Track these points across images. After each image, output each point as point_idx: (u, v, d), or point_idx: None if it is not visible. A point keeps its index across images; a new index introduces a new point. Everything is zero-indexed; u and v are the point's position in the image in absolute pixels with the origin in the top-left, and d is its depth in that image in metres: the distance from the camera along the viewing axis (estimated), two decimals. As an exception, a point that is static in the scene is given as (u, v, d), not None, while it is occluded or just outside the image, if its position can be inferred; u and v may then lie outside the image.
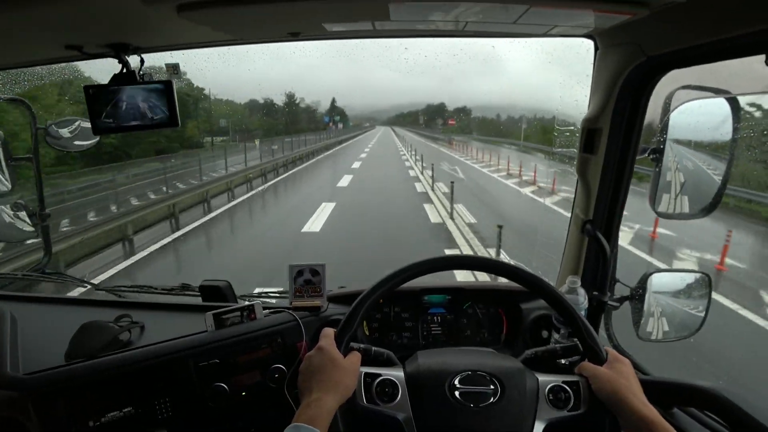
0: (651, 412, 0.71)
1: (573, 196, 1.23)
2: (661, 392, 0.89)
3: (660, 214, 1.06)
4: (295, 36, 0.90)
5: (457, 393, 0.79)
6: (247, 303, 1.09)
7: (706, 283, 1.14)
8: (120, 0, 0.68)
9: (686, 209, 1.05)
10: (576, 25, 0.87)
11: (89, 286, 1.42)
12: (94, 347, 1.00)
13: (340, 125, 52.58)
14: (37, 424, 0.89)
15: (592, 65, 1.04)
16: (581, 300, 1.01)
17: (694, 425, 0.89)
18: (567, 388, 0.80)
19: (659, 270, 1.15)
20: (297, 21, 0.82)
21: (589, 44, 1.02)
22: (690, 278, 1.18)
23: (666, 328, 1.16)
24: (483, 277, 1.37)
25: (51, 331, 1.13)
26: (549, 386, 0.80)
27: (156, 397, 0.97)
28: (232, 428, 1.03)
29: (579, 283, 1.01)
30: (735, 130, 0.95)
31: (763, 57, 0.68)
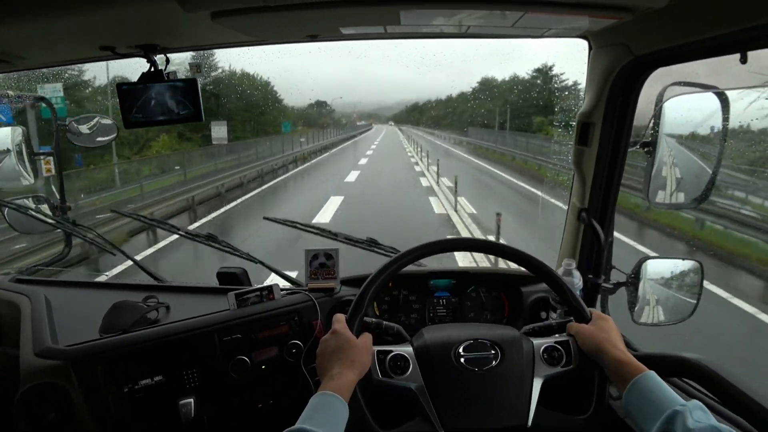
0: (625, 355, 0.80)
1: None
2: (649, 364, 0.96)
3: (654, 205, 1.12)
4: (313, 38, 0.99)
5: (462, 360, 0.87)
6: (265, 284, 1.18)
7: (699, 270, 1.19)
8: (159, 7, 0.76)
9: (680, 199, 1.10)
10: (568, 28, 0.94)
11: (114, 270, 1.52)
12: (126, 324, 1.10)
13: (222, 130, 14.17)
14: (78, 388, 0.99)
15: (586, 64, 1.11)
16: (576, 281, 1.08)
17: (679, 394, 0.95)
18: (559, 347, 0.89)
19: (653, 257, 1.21)
20: (316, 25, 0.90)
21: (584, 44, 1.09)
22: (683, 265, 1.23)
23: (660, 313, 1.22)
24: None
25: (83, 311, 1.22)
26: (543, 347, 0.89)
27: (184, 368, 1.06)
28: (253, 398, 1.11)
29: (574, 265, 1.08)
30: (724, 122, 1.01)
31: (738, 56, 0.76)
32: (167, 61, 1.10)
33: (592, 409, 0.84)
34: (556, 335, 0.95)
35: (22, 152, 1.65)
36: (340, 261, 1.21)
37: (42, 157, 1.84)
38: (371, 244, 1.38)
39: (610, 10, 0.77)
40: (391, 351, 0.89)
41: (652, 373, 0.76)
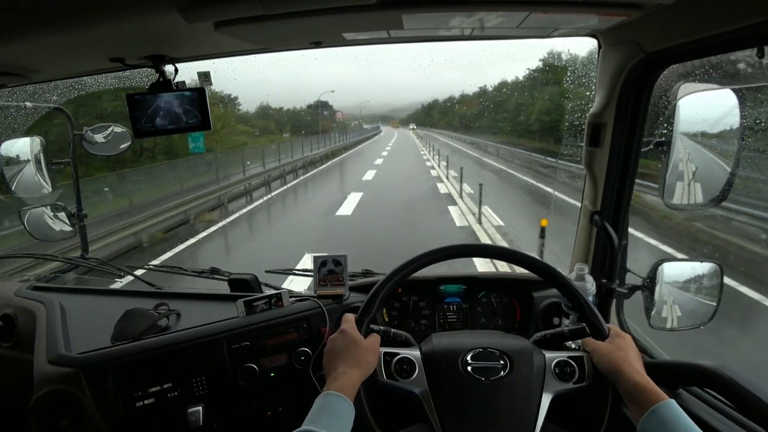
0: (643, 378, 0.76)
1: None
2: (667, 373, 0.92)
3: (670, 206, 1.08)
4: (317, 44, 0.99)
5: (469, 368, 0.85)
6: (274, 291, 1.18)
7: (718, 272, 1.15)
8: (163, 18, 0.77)
9: (697, 200, 1.07)
10: (576, 27, 0.92)
11: (128, 277, 1.54)
12: (137, 331, 1.11)
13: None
14: (89, 395, 1.00)
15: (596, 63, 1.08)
16: (589, 287, 1.05)
17: (697, 404, 0.92)
18: (572, 362, 0.85)
19: (670, 259, 1.17)
20: (319, 31, 0.90)
21: (594, 42, 1.07)
22: (701, 268, 1.19)
23: (678, 318, 1.18)
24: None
25: (96, 318, 1.24)
26: (555, 361, 0.86)
27: (193, 375, 1.06)
28: (261, 406, 1.11)
29: (587, 270, 1.05)
30: (742, 119, 0.97)
31: (754, 51, 0.73)
32: (176, 70, 1.12)
33: (603, 430, 0.80)
34: (570, 349, 0.92)
35: (41, 161, 1.69)
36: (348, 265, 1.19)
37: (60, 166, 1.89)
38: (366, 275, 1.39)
39: (618, 7, 0.75)
40: (398, 354, 0.88)
41: (673, 402, 0.72)
